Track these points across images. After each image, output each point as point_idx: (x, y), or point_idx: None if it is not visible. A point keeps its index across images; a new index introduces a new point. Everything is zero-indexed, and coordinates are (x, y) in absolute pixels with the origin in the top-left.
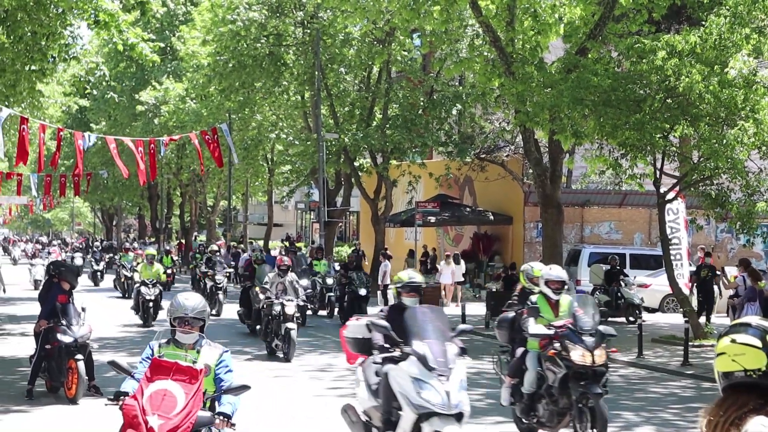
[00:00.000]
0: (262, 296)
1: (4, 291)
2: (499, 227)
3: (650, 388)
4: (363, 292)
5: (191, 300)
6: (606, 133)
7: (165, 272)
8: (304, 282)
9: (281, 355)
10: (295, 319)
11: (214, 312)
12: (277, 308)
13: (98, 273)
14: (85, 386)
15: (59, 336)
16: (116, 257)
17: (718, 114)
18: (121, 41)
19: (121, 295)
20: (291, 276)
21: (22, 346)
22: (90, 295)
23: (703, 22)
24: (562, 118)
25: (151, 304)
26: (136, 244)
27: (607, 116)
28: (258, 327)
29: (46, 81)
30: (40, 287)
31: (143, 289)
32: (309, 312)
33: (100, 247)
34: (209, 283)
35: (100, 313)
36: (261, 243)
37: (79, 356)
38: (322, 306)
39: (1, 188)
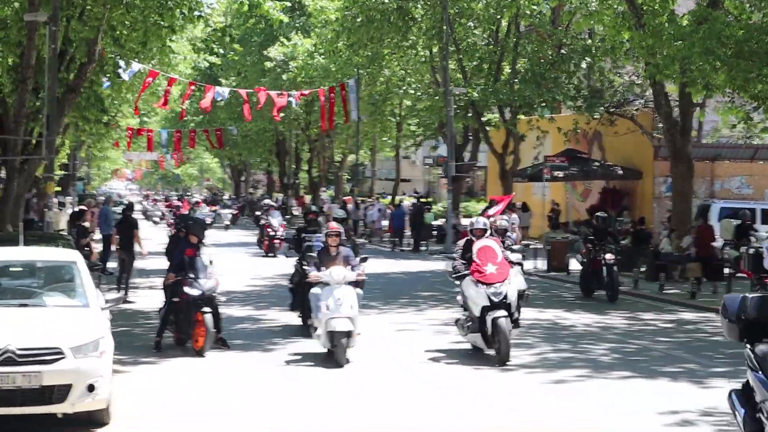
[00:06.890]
0: None
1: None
2: (628, 182)
3: None
4: None
5: None
6: (737, 85)
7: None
8: None
9: None
10: None
11: None
12: None
13: None
14: (213, 339)
15: (186, 289)
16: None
17: None
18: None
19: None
20: None
21: (151, 299)
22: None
23: None
24: (692, 70)
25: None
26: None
27: (738, 68)
28: None
29: (176, 38)
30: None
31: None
32: None
33: None
34: None
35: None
36: (389, 198)
37: (207, 309)
38: None
39: (131, 144)
